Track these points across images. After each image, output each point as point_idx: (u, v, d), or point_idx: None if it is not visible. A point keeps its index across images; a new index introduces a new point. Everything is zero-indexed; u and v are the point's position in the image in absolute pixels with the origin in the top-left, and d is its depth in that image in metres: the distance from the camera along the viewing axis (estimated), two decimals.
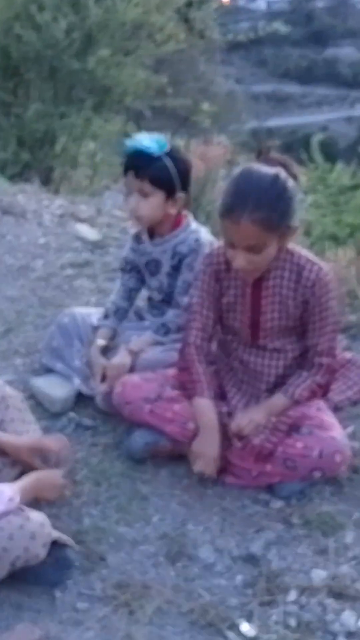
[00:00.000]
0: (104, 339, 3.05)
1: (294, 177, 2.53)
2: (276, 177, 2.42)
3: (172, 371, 2.76)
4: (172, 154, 2.90)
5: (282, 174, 2.45)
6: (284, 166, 2.51)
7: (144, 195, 2.88)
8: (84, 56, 8.18)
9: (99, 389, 2.92)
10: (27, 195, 5.75)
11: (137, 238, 3.14)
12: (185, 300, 2.92)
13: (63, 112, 8.28)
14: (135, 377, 2.74)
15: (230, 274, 2.66)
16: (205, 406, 2.63)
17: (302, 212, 2.65)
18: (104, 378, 2.92)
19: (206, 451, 2.57)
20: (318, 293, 2.58)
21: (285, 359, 2.70)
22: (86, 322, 3.13)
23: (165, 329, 2.95)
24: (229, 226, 2.44)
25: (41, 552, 2.07)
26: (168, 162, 2.87)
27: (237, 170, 2.51)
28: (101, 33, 8.25)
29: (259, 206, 2.38)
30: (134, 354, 2.90)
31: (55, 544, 2.15)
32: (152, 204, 2.90)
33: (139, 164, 2.85)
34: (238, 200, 2.41)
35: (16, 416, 2.46)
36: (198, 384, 2.67)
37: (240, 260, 2.47)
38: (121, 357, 2.91)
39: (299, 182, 2.59)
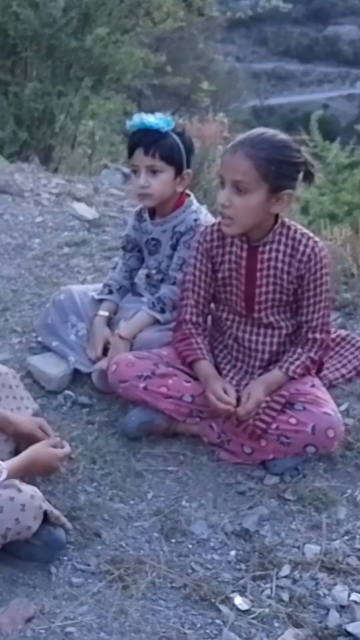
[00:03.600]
0: (107, 312, 3.07)
1: (310, 177, 2.59)
2: (291, 142, 2.50)
3: (165, 350, 2.77)
4: (177, 131, 2.91)
5: (298, 147, 2.53)
6: (306, 162, 2.56)
7: (154, 172, 2.88)
8: (81, 34, 8.15)
9: (98, 363, 2.93)
10: (24, 174, 5.74)
11: (139, 216, 3.14)
12: (179, 276, 2.93)
13: (61, 90, 8.25)
14: (129, 356, 2.75)
15: (225, 249, 2.67)
16: (209, 366, 2.67)
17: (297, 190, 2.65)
18: (105, 351, 2.93)
19: (221, 395, 2.57)
20: (313, 268, 2.59)
21: (279, 336, 2.71)
22: (84, 298, 3.13)
23: (161, 304, 2.95)
24: (226, 158, 2.53)
25: (33, 524, 2.08)
26: (176, 139, 2.88)
27: None
28: (98, 11, 8.21)
29: (258, 146, 2.45)
30: (127, 341, 2.90)
31: (46, 524, 2.15)
32: (163, 180, 2.90)
33: (149, 141, 2.85)
34: (245, 138, 2.50)
35: (9, 393, 2.47)
36: (198, 350, 2.70)
37: (223, 195, 2.52)
38: (115, 348, 2.89)
39: (311, 183, 2.64)
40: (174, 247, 3.01)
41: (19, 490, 2.06)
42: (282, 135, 2.53)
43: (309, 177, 2.59)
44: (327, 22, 64.73)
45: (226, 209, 2.53)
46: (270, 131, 2.54)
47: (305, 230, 2.64)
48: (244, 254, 2.64)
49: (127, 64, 8.60)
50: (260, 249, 2.61)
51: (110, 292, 3.13)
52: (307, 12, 63.98)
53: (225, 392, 2.57)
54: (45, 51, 8.27)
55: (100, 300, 3.12)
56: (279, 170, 2.45)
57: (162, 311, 2.93)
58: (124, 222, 4.46)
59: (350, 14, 64.98)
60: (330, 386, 2.85)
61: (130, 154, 2.91)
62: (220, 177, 2.56)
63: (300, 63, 61.54)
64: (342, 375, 2.94)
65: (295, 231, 2.61)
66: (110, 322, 3.06)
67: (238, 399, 2.58)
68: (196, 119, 6.90)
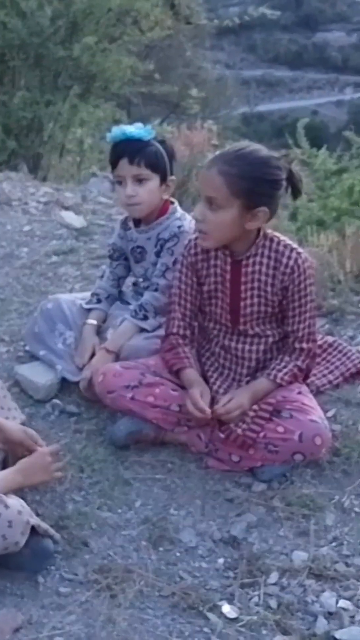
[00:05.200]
0: (96, 320, 3.07)
1: (297, 190, 2.59)
2: (270, 159, 2.49)
3: (152, 360, 2.77)
4: (158, 140, 2.94)
5: (280, 163, 2.50)
6: (292, 177, 2.55)
7: (140, 181, 2.89)
8: (69, 43, 8.18)
9: (84, 371, 2.93)
10: (12, 183, 5.75)
11: (124, 224, 3.15)
12: (161, 282, 2.94)
13: (49, 99, 8.27)
14: (115, 366, 2.75)
15: (209, 262, 2.68)
16: (194, 373, 2.68)
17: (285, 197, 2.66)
18: (92, 358, 2.93)
19: (197, 400, 2.57)
20: (297, 279, 2.60)
21: (265, 344, 2.72)
22: (73, 307, 3.13)
23: (143, 312, 2.95)
24: (201, 175, 2.57)
25: (20, 539, 2.07)
26: (159, 146, 2.90)
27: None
28: (86, 20, 8.24)
29: (232, 163, 2.45)
30: (114, 354, 2.90)
31: (34, 534, 2.15)
32: (150, 188, 2.91)
33: (133, 150, 2.86)
34: (221, 154, 2.51)
35: None
36: (185, 359, 2.71)
37: (197, 210, 2.55)
38: (101, 360, 2.89)
39: (298, 196, 2.64)
40: (158, 254, 3.01)
41: (6, 507, 2.05)
42: (263, 152, 2.51)
43: (294, 191, 2.59)
44: (316, 29, 64.98)
45: (200, 224, 2.55)
46: (251, 147, 2.52)
47: (289, 242, 2.65)
48: (228, 268, 2.65)
49: (115, 72, 8.63)
50: (244, 262, 2.62)
51: (99, 300, 3.13)
52: (296, 19, 64.23)
53: (201, 397, 2.58)
54: (33, 60, 8.29)
55: (89, 309, 3.12)
56: (253, 188, 2.44)
57: (145, 318, 2.94)
58: (112, 230, 4.45)
59: (338, 21, 65.31)
60: (317, 392, 2.85)
61: (114, 165, 2.92)
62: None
63: (289, 70, 61.75)
64: (330, 382, 2.95)
65: (278, 243, 2.62)
66: (99, 330, 3.07)
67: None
68: (184, 126, 6.91)
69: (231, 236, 2.56)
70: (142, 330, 2.95)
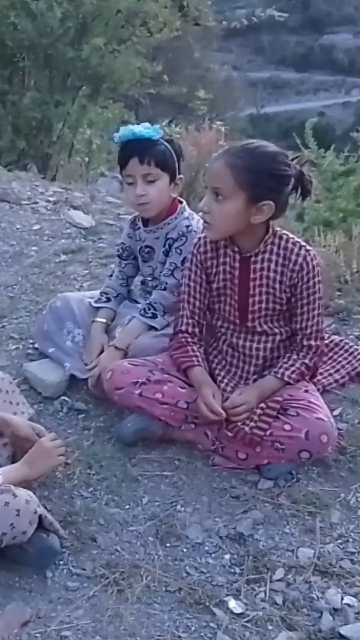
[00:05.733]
0: (104, 319, 3.09)
1: (306, 191, 2.60)
2: (277, 154, 2.50)
3: (161, 357, 2.79)
4: (165, 139, 2.95)
5: (288, 160, 2.52)
6: (302, 178, 2.56)
7: (150, 180, 2.90)
8: (78, 44, 8.21)
9: (91, 368, 2.95)
10: (21, 183, 5.77)
11: (133, 224, 3.17)
12: (170, 281, 2.96)
13: (58, 100, 8.30)
14: (124, 363, 2.76)
15: (218, 260, 2.69)
16: (202, 372, 2.70)
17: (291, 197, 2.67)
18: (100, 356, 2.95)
19: (212, 402, 2.59)
20: (305, 277, 2.61)
21: (272, 342, 2.73)
22: (81, 305, 3.15)
23: (152, 310, 2.97)
24: (209, 166, 2.58)
25: (28, 529, 2.09)
26: (167, 145, 2.91)
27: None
28: (95, 21, 8.27)
29: (239, 155, 2.47)
30: (122, 351, 2.92)
31: (40, 530, 2.16)
32: (160, 187, 2.92)
33: (142, 149, 2.87)
34: (230, 147, 2.54)
35: (5, 398, 2.49)
36: (194, 357, 2.73)
37: (203, 201, 2.56)
38: (109, 357, 2.92)
39: (305, 198, 2.64)
40: (166, 254, 3.03)
41: (14, 496, 2.07)
42: (271, 148, 2.53)
43: (304, 192, 2.60)
44: (323, 31, 64.95)
45: (205, 215, 2.57)
46: (261, 143, 2.54)
47: (297, 239, 2.66)
48: (237, 265, 2.66)
49: (123, 73, 8.66)
50: (253, 259, 2.63)
51: (108, 299, 3.16)
52: (303, 21, 64.19)
53: (214, 398, 2.60)
54: (42, 61, 8.32)
55: (98, 308, 3.14)
56: (258, 181, 2.45)
57: (154, 316, 2.96)
58: (120, 229, 4.49)
59: (345, 23, 65.24)
60: (323, 391, 2.87)
61: (124, 165, 2.93)
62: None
63: (296, 71, 61.73)
64: (336, 381, 2.97)
65: (287, 240, 2.63)
66: (108, 329, 3.09)
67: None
68: (193, 127, 6.93)
69: (236, 229, 2.58)
70: (151, 328, 2.96)
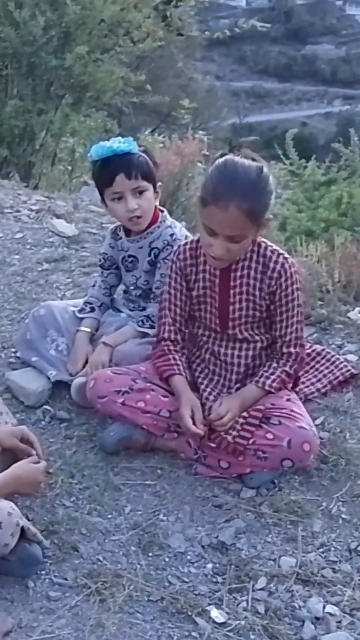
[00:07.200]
0: (89, 328, 3.10)
1: None
2: (261, 170, 2.48)
3: (144, 366, 2.80)
4: (141, 150, 2.96)
5: (265, 167, 2.50)
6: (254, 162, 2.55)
7: (139, 193, 2.91)
8: (61, 53, 8.21)
9: (76, 377, 2.95)
10: (4, 191, 5.76)
11: (114, 234, 3.17)
12: None
13: (41, 108, 8.29)
14: (107, 372, 2.77)
15: (198, 267, 2.71)
16: (182, 382, 2.70)
17: (275, 206, 2.69)
18: (85, 365, 2.96)
19: (188, 418, 2.59)
20: (284, 284, 2.63)
21: (254, 349, 2.75)
22: (65, 314, 3.15)
23: (150, 322, 2.99)
24: (215, 213, 2.46)
25: (10, 541, 2.08)
26: (144, 156, 2.93)
27: (220, 160, 2.53)
28: (79, 30, 8.27)
29: (248, 196, 2.43)
30: (111, 348, 2.93)
31: (22, 540, 2.16)
32: (148, 198, 2.94)
33: (126, 165, 2.87)
34: (228, 188, 2.44)
35: None
36: (175, 366, 2.73)
37: (219, 248, 2.52)
38: (99, 353, 2.94)
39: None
40: (151, 263, 3.04)
41: None
42: (251, 165, 2.47)
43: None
44: (306, 41, 65.28)
45: (225, 256, 2.55)
46: (246, 167, 2.46)
47: (276, 247, 2.68)
48: (217, 272, 2.68)
49: (107, 82, 8.66)
50: (233, 267, 2.65)
51: (92, 309, 3.16)
52: (286, 32, 64.54)
53: (192, 413, 2.60)
54: (25, 69, 8.31)
55: (82, 318, 3.14)
56: (264, 206, 2.48)
57: (152, 328, 2.98)
58: (104, 238, 4.47)
59: (328, 33, 65.67)
60: (306, 400, 2.88)
61: (109, 182, 2.91)
62: (205, 226, 2.53)
63: (278, 81, 61.97)
64: (318, 390, 2.98)
65: (266, 248, 2.65)
66: (92, 339, 3.09)
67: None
68: (176, 136, 6.95)
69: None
70: (144, 335, 2.98)
